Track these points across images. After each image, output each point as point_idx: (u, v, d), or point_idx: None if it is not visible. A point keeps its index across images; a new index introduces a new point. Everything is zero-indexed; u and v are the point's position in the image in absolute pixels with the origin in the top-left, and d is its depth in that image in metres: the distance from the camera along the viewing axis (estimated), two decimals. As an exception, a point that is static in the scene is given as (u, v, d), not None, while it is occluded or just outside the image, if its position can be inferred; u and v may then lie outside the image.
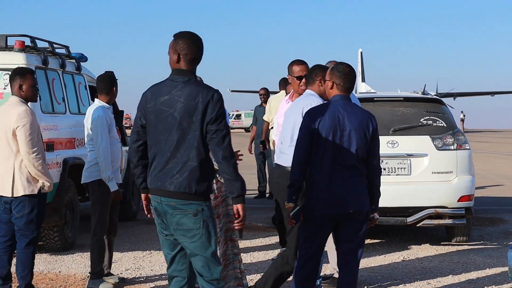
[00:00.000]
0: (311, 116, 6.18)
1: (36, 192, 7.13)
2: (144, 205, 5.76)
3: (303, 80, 7.64)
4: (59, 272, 8.94)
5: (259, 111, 15.66)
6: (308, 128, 6.11)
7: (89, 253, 8.11)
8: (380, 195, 6.33)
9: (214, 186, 7.07)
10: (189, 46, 5.40)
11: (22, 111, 7.09)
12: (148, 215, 5.75)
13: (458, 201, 9.76)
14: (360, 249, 6.30)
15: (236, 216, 5.48)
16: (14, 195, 7.09)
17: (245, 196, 5.50)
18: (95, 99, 8.25)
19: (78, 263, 9.36)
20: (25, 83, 7.26)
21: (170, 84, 5.39)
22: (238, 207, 5.45)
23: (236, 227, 5.66)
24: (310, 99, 6.87)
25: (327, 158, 6.06)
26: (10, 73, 9.35)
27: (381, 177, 6.42)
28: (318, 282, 7.50)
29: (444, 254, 9.87)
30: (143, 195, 5.68)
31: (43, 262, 9.40)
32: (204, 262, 5.38)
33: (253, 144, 16.02)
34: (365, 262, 9.04)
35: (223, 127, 5.38)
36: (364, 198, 6.14)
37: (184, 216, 5.31)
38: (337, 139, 6.04)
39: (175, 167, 5.30)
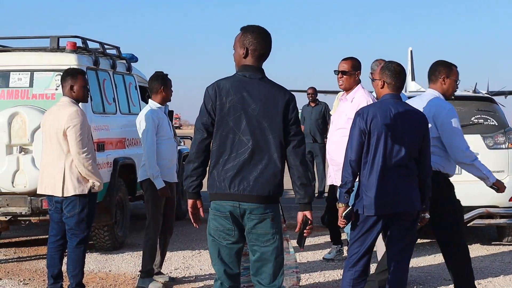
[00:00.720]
0: (363, 116, 6.05)
1: (86, 192, 7.18)
2: (193, 214, 5.40)
3: (339, 75, 7.66)
4: (109, 271, 9.01)
5: (307, 110, 15.64)
6: (360, 127, 6.00)
7: (139, 252, 8.17)
8: (430, 194, 6.26)
9: None
10: (258, 41, 5.22)
11: (73, 112, 7.14)
12: (197, 226, 5.49)
13: (510, 200, 9.62)
14: (410, 249, 6.25)
15: (301, 222, 5.33)
16: (65, 195, 7.15)
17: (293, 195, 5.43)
18: (149, 100, 8.32)
19: (128, 262, 9.42)
20: (76, 83, 7.32)
21: (244, 80, 5.18)
22: (308, 214, 5.29)
23: (306, 234, 5.39)
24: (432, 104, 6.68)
25: (379, 158, 5.97)
26: (61, 74, 9.52)
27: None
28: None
29: (495, 254, 9.73)
30: (193, 201, 5.32)
31: (93, 261, 9.47)
32: (271, 269, 5.21)
33: None
34: (415, 262, 8.95)
35: (301, 130, 5.26)
36: (415, 198, 6.07)
37: (261, 221, 5.12)
38: (389, 139, 5.95)
39: (256, 169, 5.07)
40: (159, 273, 8.29)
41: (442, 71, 6.72)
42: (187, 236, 11.47)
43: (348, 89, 7.87)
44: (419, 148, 6.05)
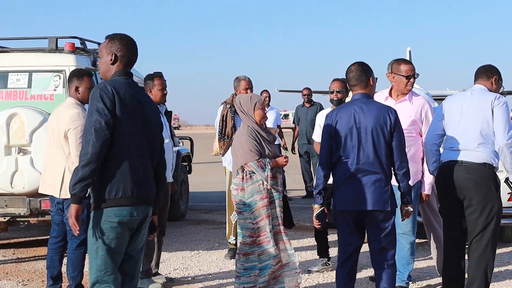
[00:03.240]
0: (329, 119, 6.27)
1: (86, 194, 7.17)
2: (77, 220, 5.16)
3: (411, 79, 7.54)
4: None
5: (302, 111, 15.58)
6: (328, 130, 6.22)
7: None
8: (411, 189, 6.35)
9: (262, 186, 7.15)
10: (126, 48, 5.28)
11: (75, 114, 7.14)
12: (77, 233, 5.23)
13: (509, 200, 9.59)
14: (391, 250, 6.32)
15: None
16: (62, 197, 7.15)
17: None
18: None
19: (127, 263, 9.38)
20: (81, 85, 7.35)
21: (129, 84, 5.22)
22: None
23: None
24: (491, 94, 6.76)
25: (346, 158, 6.14)
26: (60, 75, 9.51)
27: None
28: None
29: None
30: (79, 207, 5.13)
31: (93, 262, 9.44)
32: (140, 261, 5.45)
33: (296, 144, 15.96)
34: (414, 262, 8.94)
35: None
36: (384, 197, 6.14)
37: (147, 224, 5.30)
38: (354, 139, 6.11)
39: (151, 172, 5.20)
40: (156, 273, 8.28)
41: (495, 73, 6.91)
42: (186, 236, 11.47)
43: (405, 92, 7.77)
44: (388, 143, 6.14)
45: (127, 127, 5.04)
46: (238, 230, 7.42)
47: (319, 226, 6.64)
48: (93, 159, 4.93)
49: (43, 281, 8.40)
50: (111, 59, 5.20)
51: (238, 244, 7.39)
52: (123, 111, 5.02)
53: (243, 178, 7.21)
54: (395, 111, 6.27)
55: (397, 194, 6.30)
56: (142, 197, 5.11)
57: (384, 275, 6.29)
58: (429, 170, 7.14)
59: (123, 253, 5.21)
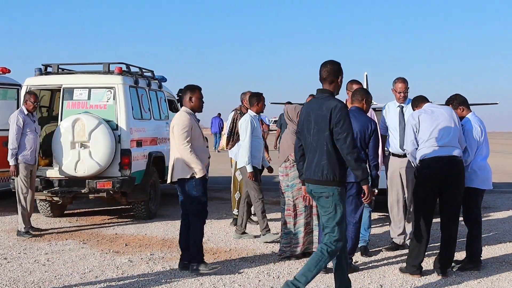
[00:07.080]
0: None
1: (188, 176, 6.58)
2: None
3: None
4: (145, 234, 8.98)
5: (283, 118, 15.75)
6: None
7: (167, 221, 8.10)
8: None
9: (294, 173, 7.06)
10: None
11: (177, 114, 6.65)
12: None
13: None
14: (356, 211, 6.49)
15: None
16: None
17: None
18: (248, 110, 8.50)
19: (159, 228, 9.38)
20: (194, 95, 6.66)
21: None
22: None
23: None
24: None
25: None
26: (111, 90, 9.53)
27: None
28: None
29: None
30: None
31: (134, 227, 9.47)
32: None
33: (278, 142, 16.56)
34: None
35: None
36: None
37: None
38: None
39: None
40: (244, 232, 8.53)
41: (423, 100, 6.85)
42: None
43: None
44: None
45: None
46: (282, 206, 7.29)
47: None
48: None
49: (98, 240, 8.42)
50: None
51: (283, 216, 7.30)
52: None
53: (287, 166, 7.19)
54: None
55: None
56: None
57: (350, 229, 6.40)
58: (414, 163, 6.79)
59: None
